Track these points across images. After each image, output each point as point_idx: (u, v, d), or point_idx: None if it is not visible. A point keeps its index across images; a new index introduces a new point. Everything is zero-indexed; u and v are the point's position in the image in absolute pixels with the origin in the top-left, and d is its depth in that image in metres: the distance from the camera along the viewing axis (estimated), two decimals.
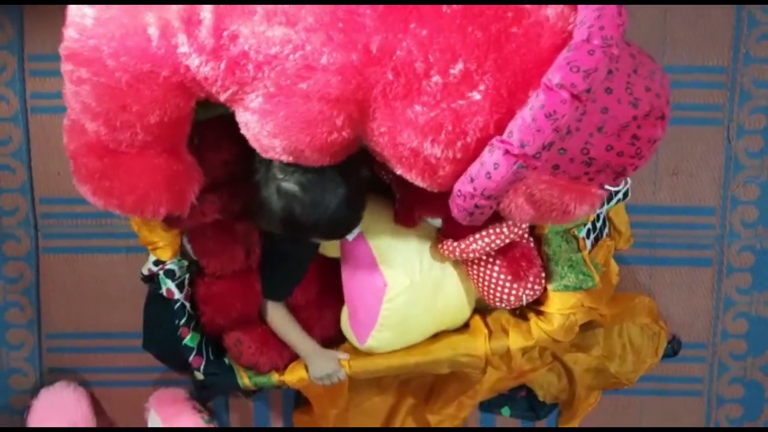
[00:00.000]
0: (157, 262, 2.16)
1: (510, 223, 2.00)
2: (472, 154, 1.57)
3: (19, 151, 2.39)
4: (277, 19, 1.56)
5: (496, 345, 2.22)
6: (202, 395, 2.47)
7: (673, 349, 2.47)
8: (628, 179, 2.19)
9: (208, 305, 2.20)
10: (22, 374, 2.52)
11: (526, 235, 2.13)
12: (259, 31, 1.56)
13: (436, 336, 2.26)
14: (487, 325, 2.27)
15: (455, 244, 2.08)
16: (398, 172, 1.69)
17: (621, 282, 2.39)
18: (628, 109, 1.53)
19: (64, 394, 2.44)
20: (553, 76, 1.48)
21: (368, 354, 2.23)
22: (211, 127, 1.96)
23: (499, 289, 2.12)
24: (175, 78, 1.63)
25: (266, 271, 2.18)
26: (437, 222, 2.15)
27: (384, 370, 2.25)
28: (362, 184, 1.91)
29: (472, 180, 1.58)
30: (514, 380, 2.38)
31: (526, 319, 2.24)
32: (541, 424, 2.58)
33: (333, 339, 2.32)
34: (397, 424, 2.48)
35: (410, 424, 2.51)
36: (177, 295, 2.18)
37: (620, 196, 2.21)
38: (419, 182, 1.68)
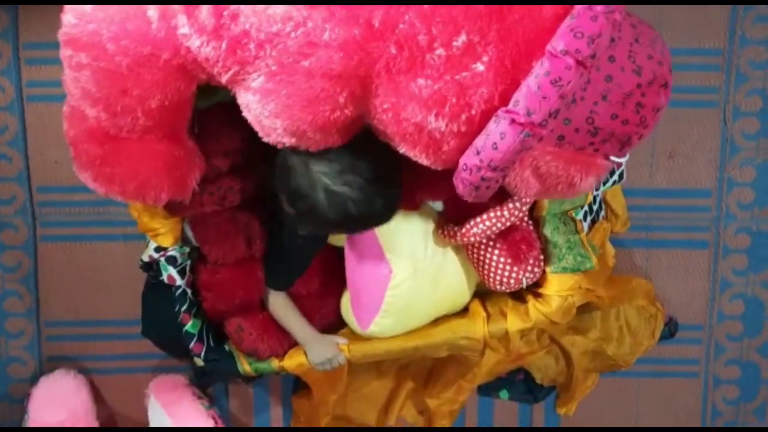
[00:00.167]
0: (158, 249, 2.16)
1: (510, 205, 2.01)
2: (477, 127, 1.56)
3: (16, 140, 2.38)
4: None
5: (495, 328, 2.22)
6: (201, 381, 2.47)
7: (670, 331, 2.48)
8: (623, 162, 2.20)
9: (210, 291, 2.20)
10: (21, 363, 2.51)
11: (525, 218, 2.14)
12: (259, 9, 1.55)
13: (436, 320, 2.26)
14: (485, 308, 2.28)
15: (455, 228, 2.09)
16: (402, 150, 1.68)
17: (618, 265, 2.41)
18: (631, 77, 1.54)
19: (63, 382, 2.44)
20: (558, 43, 1.48)
21: (367, 338, 2.24)
22: (211, 117, 1.96)
23: (499, 272, 2.13)
24: (176, 60, 1.63)
25: (270, 260, 2.18)
26: (438, 206, 2.16)
27: (383, 354, 2.26)
28: (392, 160, 1.88)
29: (478, 152, 1.57)
30: (512, 363, 2.40)
31: (524, 301, 2.24)
32: (539, 418, 2.60)
33: (333, 325, 2.33)
34: (397, 408, 2.49)
35: (409, 408, 2.52)
36: (178, 281, 2.19)
37: (615, 178, 2.23)
38: (423, 159, 1.68)
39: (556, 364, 2.49)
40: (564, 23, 1.50)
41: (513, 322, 2.22)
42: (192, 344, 2.23)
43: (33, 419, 2.38)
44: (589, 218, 2.24)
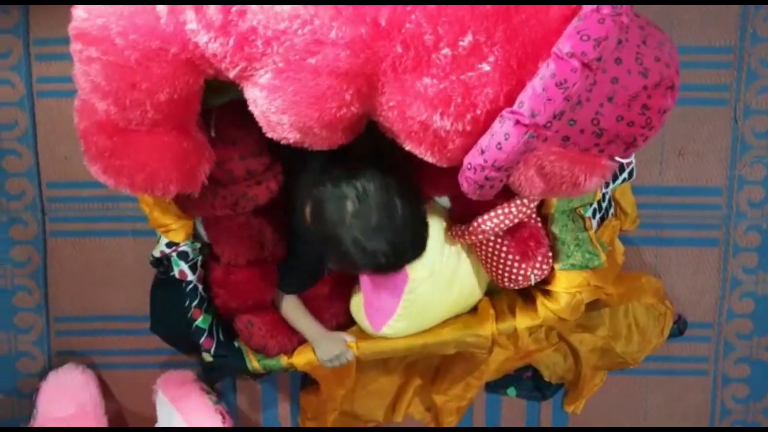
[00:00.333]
0: (170, 244, 2.16)
1: (518, 202, 2.01)
2: (482, 126, 1.56)
3: (26, 136, 2.39)
4: None
5: (503, 326, 2.23)
6: (209, 377, 2.48)
7: (679, 328, 2.48)
8: (633, 159, 2.19)
9: (223, 289, 2.22)
10: (31, 358, 2.53)
11: (534, 215, 2.13)
12: (267, 6, 1.55)
13: (445, 320, 2.27)
14: (494, 306, 2.28)
15: (464, 227, 2.09)
16: (407, 147, 1.68)
17: (627, 262, 2.40)
18: (638, 79, 1.53)
19: (72, 377, 2.45)
20: (564, 45, 1.47)
21: (374, 336, 2.25)
22: (228, 121, 1.97)
23: (507, 269, 2.12)
24: (184, 55, 1.63)
25: (286, 266, 2.20)
26: (444, 201, 2.16)
27: (391, 351, 2.27)
28: (417, 200, 1.94)
29: (482, 152, 1.57)
30: (521, 360, 2.40)
31: (532, 298, 2.24)
32: (547, 416, 2.59)
33: (342, 326, 2.33)
34: (404, 404, 2.49)
35: (417, 404, 2.52)
36: (190, 276, 2.20)
37: (625, 175, 2.22)
38: (428, 157, 1.68)
39: (564, 361, 2.48)
40: (571, 25, 1.49)
41: (522, 319, 2.22)
42: (202, 339, 2.24)
43: (42, 414, 2.39)
44: (598, 216, 2.23)
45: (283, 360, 2.28)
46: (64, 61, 2.23)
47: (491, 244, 2.12)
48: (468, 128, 1.57)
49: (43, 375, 2.49)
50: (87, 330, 2.52)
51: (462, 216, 2.11)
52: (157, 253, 2.22)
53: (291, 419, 2.59)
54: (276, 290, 2.23)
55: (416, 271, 2.11)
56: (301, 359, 2.27)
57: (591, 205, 2.17)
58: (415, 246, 1.92)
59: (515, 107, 1.52)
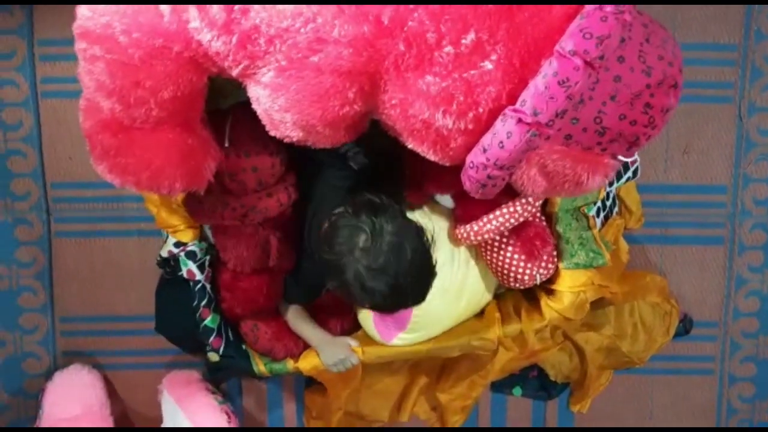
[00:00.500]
0: (177, 244, 2.17)
1: (523, 200, 2.01)
2: (484, 125, 1.56)
3: (30, 136, 2.39)
4: None
5: (509, 328, 2.24)
6: (215, 377, 2.48)
7: (685, 327, 2.47)
8: (637, 158, 2.19)
9: (230, 293, 2.22)
10: (36, 358, 2.53)
11: (538, 214, 2.13)
12: (270, 5, 1.56)
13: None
14: (499, 308, 2.28)
15: (468, 227, 2.08)
16: (410, 145, 1.68)
17: (632, 261, 2.40)
18: (641, 77, 1.52)
19: (78, 377, 2.46)
20: (566, 43, 1.47)
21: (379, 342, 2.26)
22: (243, 132, 1.97)
23: (513, 269, 2.12)
24: (187, 53, 1.63)
25: (292, 279, 2.20)
26: (447, 201, 2.15)
27: (396, 355, 2.28)
28: (430, 253, 1.92)
29: (484, 150, 1.57)
30: (526, 360, 2.39)
31: (536, 298, 2.24)
32: (553, 415, 2.59)
33: (346, 332, 2.34)
34: (410, 403, 2.49)
35: (422, 403, 2.52)
36: (198, 276, 2.20)
37: (630, 174, 2.21)
38: (431, 155, 1.68)
39: (569, 361, 2.48)
40: (574, 23, 1.49)
41: (527, 322, 2.22)
42: (212, 338, 2.24)
43: (48, 414, 2.40)
44: (602, 214, 2.23)
45: (290, 364, 2.29)
46: (69, 61, 2.23)
47: (496, 244, 2.12)
48: (470, 126, 1.57)
49: (48, 375, 2.49)
50: (92, 330, 2.52)
51: (466, 216, 2.11)
52: (164, 253, 2.23)
53: (297, 419, 2.59)
54: (280, 299, 2.24)
55: None
56: (306, 364, 2.27)
57: (595, 203, 2.16)
58: (415, 295, 1.91)
59: (517, 105, 1.52)
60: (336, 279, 1.86)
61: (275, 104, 1.63)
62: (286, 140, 1.72)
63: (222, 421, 2.31)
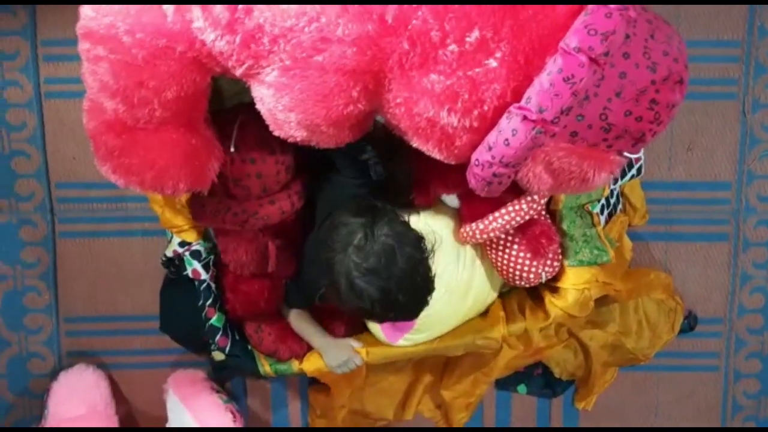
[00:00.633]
0: (182, 243, 2.18)
1: (528, 198, 2.01)
2: (490, 122, 1.56)
3: (34, 137, 2.39)
4: None
5: (514, 327, 2.24)
6: (219, 376, 2.48)
7: (690, 324, 2.47)
8: (642, 156, 2.19)
9: (233, 294, 2.22)
10: (41, 358, 2.53)
11: (543, 212, 2.13)
12: (273, 4, 1.56)
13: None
14: (504, 307, 2.28)
15: (474, 225, 2.08)
16: (415, 144, 1.69)
17: (637, 258, 2.40)
18: (646, 73, 1.52)
19: (83, 377, 2.45)
20: (571, 40, 1.47)
21: (383, 343, 2.27)
22: (249, 139, 1.97)
23: (519, 267, 2.12)
24: (191, 53, 1.64)
25: (294, 285, 2.20)
26: (453, 201, 2.15)
27: (400, 356, 2.29)
28: (427, 266, 1.90)
29: (490, 148, 1.57)
30: (531, 358, 2.39)
31: (540, 296, 2.24)
32: (558, 413, 2.59)
33: (351, 334, 2.34)
34: (414, 403, 2.49)
35: (427, 402, 2.52)
36: (203, 275, 2.21)
37: (634, 171, 2.21)
38: (436, 154, 1.68)
39: (574, 358, 2.48)
40: (578, 19, 1.49)
41: (532, 320, 2.23)
42: (218, 337, 2.25)
43: (53, 414, 2.40)
44: (606, 212, 2.23)
45: (295, 365, 2.29)
46: (72, 62, 2.23)
47: (502, 242, 2.12)
48: (475, 124, 1.57)
49: (53, 375, 2.49)
50: (97, 330, 2.51)
51: (472, 215, 2.10)
52: (169, 253, 2.23)
53: (301, 418, 2.58)
54: (282, 303, 2.24)
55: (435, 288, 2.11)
56: (310, 366, 2.28)
57: (599, 201, 2.16)
58: (406, 307, 1.89)
59: (522, 103, 1.52)
60: (327, 277, 1.86)
61: (279, 104, 1.63)
62: (291, 140, 1.72)
63: (227, 420, 2.31)
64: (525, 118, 1.51)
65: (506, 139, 1.54)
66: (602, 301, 2.28)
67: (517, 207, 2.02)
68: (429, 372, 2.47)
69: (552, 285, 2.20)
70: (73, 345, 2.53)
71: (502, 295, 2.32)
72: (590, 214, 2.16)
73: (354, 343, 2.27)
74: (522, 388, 2.55)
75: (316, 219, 2.03)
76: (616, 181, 2.20)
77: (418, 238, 1.87)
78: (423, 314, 2.11)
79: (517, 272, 2.13)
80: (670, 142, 2.37)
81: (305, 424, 2.59)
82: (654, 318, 2.39)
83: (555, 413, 2.58)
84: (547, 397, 2.56)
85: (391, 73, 1.57)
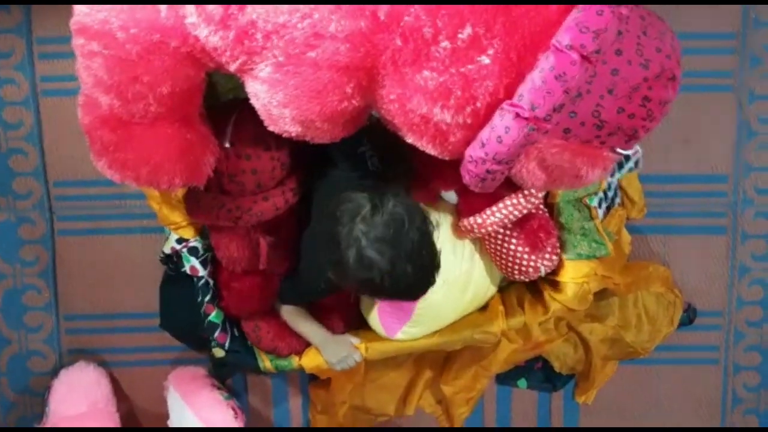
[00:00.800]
0: (180, 240, 2.18)
1: (526, 192, 2.01)
2: (483, 119, 1.56)
3: (31, 135, 2.39)
4: None
5: (513, 321, 2.24)
6: (220, 373, 2.48)
7: (689, 317, 2.47)
8: (639, 149, 2.19)
9: (226, 292, 2.23)
10: (42, 356, 2.54)
11: (541, 205, 2.13)
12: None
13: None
14: (503, 301, 2.28)
15: (472, 219, 2.08)
16: (409, 140, 1.68)
17: (635, 251, 2.40)
18: (638, 70, 1.52)
19: (83, 375, 2.46)
20: (563, 37, 1.47)
21: (382, 337, 2.27)
22: (244, 135, 1.97)
23: (518, 261, 2.12)
24: (185, 48, 1.64)
25: (290, 281, 2.18)
26: (452, 197, 2.15)
27: (399, 351, 2.29)
28: (434, 242, 1.87)
29: (483, 145, 1.57)
30: (531, 352, 2.40)
31: (539, 290, 2.24)
32: (558, 407, 2.59)
33: (349, 329, 2.34)
34: (415, 397, 2.50)
35: (428, 397, 2.53)
36: (201, 272, 2.21)
37: (631, 165, 2.21)
38: (430, 150, 1.68)
39: (574, 352, 2.48)
40: (570, 16, 1.49)
41: (531, 314, 2.23)
42: (216, 334, 2.25)
43: (54, 412, 2.40)
44: (604, 205, 2.23)
45: (295, 361, 2.30)
46: (68, 59, 2.22)
47: (500, 237, 2.12)
48: (468, 121, 1.57)
49: (54, 373, 2.49)
50: (97, 328, 2.52)
51: (470, 210, 2.10)
52: (167, 250, 2.23)
53: (302, 414, 2.59)
54: (275, 300, 2.23)
55: None
56: (309, 362, 2.29)
57: (596, 194, 2.16)
58: (414, 283, 1.84)
59: (515, 100, 1.52)
60: (333, 255, 1.80)
61: (273, 100, 1.63)
62: (285, 135, 1.72)
63: (228, 417, 2.31)
64: (517, 115, 1.51)
65: (499, 136, 1.54)
66: (601, 295, 2.28)
67: (514, 201, 2.02)
68: (429, 368, 2.48)
69: (551, 279, 2.20)
70: (74, 343, 2.53)
71: (501, 290, 2.32)
72: (588, 207, 2.16)
73: (353, 339, 2.27)
74: (522, 383, 2.55)
75: (312, 214, 2.02)
76: (613, 174, 2.20)
77: (424, 212, 1.85)
78: (421, 305, 2.12)
79: (516, 266, 2.13)
80: (667, 135, 2.36)
81: (306, 420, 2.59)
82: (653, 311, 2.39)
83: (555, 407, 2.58)
84: (547, 392, 2.56)
85: (385, 69, 1.57)
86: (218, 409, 2.33)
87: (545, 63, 1.48)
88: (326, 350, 2.25)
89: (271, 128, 1.72)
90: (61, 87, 2.34)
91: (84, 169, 2.38)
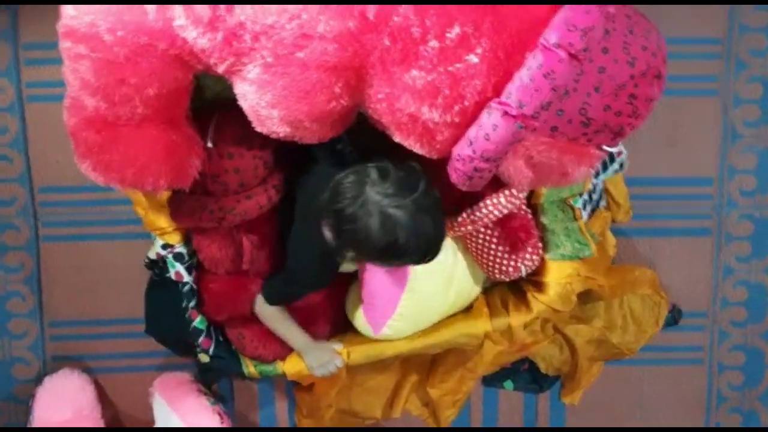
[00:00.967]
0: (165, 246, 2.17)
1: (507, 192, 2.01)
2: (471, 118, 1.57)
3: (17, 141, 2.38)
4: None
5: (497, 323, 2.23)
6: (206, 378, 2.48)
7: (674, 318, 2.48)
8: (624, 150, 2.20)
9: (206, 294, 2.22)
10: (26, 363, 2.52)
11: (524, 206, 2.14)
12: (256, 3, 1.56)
13: (439, 321, 2.27)
14: (487, 303, 2.28)
15: (452, 218, 2.08)
16: (397, 139, 1.69)
17: (621, 254, 2.41)
18: (625, 68, 1.54)
19: (68, 381, 2.44)
20: (550, 36, 1.48)
21: (367, 342, 2.26)
22: (226, 134, 1.97)
23: (497, 260, 2.13)
24: (173, 51, 1.64)
25: (278, 280, 2.16)
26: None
27: (380, 356, 2.28)
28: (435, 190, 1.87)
29: (470, 143, 1.58)
30: (517, 354, 2.39)
31: (523, 291, 2.24)
32: (544, 408, 2.60)
33: (334, 333, 2.35)
34: (402, 400, 2.49)
35: (414, 400, 2.52)
36: (186, 277, 2.20)
37: (616, 167, 2.22)
38: (418, 149, 1.68)
39: (560, 353, 2.48)
40: (558, 15, 1.50)
41: (515, 315, 2.22)
42: (201, 339, 2.24)
43: (38, 419, 2.39)
44: (588, 207, 2.24)
45: (280, 366, 2.29)
46: (54, 65, 2.20)
47: (481, 236, 2.13)
48: (456, 120, 1.58)
49: (38, 380, 2.47)
50: (82, 334, 2.51)
51: (449, 207, 2.10)
52: (152, 255, 2.22)
53: (289, 419, 2.59)
54: (253, 305, 2.20)
55: (417, 268, 2.11)
56: (291, 368, 2.28)
57: (581, 195, 2.17)
58: (434, 234, 1.84)
59: (503, 98, 1.53)
60: (352, 231, 1.80)
61: (262, 100, 1.64)
62: (273, 136, 1.72)
63: (215, 422, 2.30)
64: (505, 113, 1.52)
65: (487, 134, 1.55)
66: (587, 297, 2.29)
67: (495, 200, 2.02)
68: (415, 371, 2.47)
69: (534, 279, 2.20)
70: (58, 349, 2.52)
71: (485, 291, 2.32)
72: (572, 208, 2.16)
73: (335, 345, 2.26)
74: (509, 384, 2.55)
75: (296, 212, 2.02)
76: (597, 174, 2.21)
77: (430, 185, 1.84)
78: (406, 297, 2.12)
79: (496, 266, 2.13)
80: (652, 138, 2.38)
81: (293, 424, 2.59)
82: (639, 312, 2.39)
83: (542, 408, 2.59)
84: (533, 393, 2.57)
85: (373, 69, 1.58)
86: (204, 415, 2.32)
87: (533, 61, 1.49)
88: (308, 355, 2.25)
89: (259, 129, 1.72)
90: (47, 93, 2.34)
91: (69, 175, 2.36)
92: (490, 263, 2.13)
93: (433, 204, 1.82)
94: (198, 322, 2.23)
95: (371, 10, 1.53)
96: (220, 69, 1.65)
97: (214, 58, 1.63)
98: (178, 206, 2.06)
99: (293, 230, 2.03)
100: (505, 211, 2.04)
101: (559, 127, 1.57)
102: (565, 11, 1.49)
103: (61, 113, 1.80)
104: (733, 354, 2.55)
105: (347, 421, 2.50)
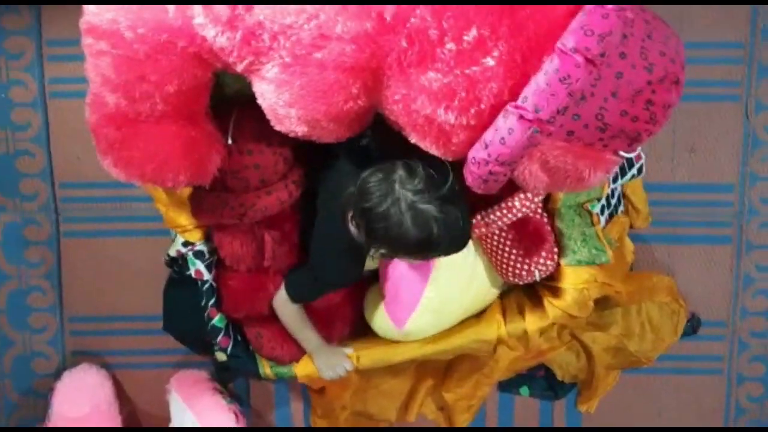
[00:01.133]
0: (186, 243, 2.18)
1: (522, 196, 2.01)
2: (486, 120, 1.57)
3: (39, 136, 2.40)
4: None
5: (513, 328, 2.22)
6: (222, 377, 2.48)
7: (693, 327, 2.46)
8: (643, 155, 2.19)
9: (224, 291, 2.23)
10: (45, 358, 2.54)
11: (539, 210, 2.13)
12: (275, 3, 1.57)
13: (450, 327, 2.27)
14: (503, 308, 2.27)
15: None
16: (413, 140, 1.70)
17: (640, 260, 2.40)
18: (642, 74, 1.53)
19: (87, 376, 2.46)
20: (567, 40, 1.48)
21: (376, 346, 2.27)
22: (246, 130, 1.98)
23: (511, 263, 2.12)
24: (192, 49, 1.66)
25: (301, 276, 2.16)
26: None
27: (390, 361, 2.28)
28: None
29: (486, 146, 1.58)
30: (533, 360, 2.39)
31: (538, 296, 2.24)
32: (560, 415, 2.59)
33: (351, 334, 2.35)
34: (417, 404, 2.49)
35: (429, 404, 2.52)
36: (206, 275, 2.21)
37: (635, 171, 2.21)
38: (434, 150, 1.69)
39: (577, 360, 2.47)
40: (575, 20, 1.50)
41: (531, 321, 2.21)
42: (219, 338, 2.25)
43: (57, 413, 2.40)
44: (606, 212, 2.23)
45: (295, 368, 2.29)
46: (77, 61, 2.22)
47: (495, 238, 2.13)
48: (472, 122, 1.58)
49: (57, 375, 2.49)
50: (101, 330, 2.52)
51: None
52: (172, 253, 2.23)
53: (304, 418, 2.58)
54: (276, 295, 2.20)
55: (440, 260, 2.11)
56: (302, 370, 2.28)
57: (599, 200, 2.16)
58: (464, 225, 1.85)
59: (519, 102, 1.53)
60: (383, 229, 1.81)
61: (280, 100, 1.65)
62: (291, 135, 1.73)
63: (230, 421, 2.31)
64: (521, 117, 1.51)
65: (502, 138, 1.54)
66: (605, 304, 2.27)
67: (509, 204, 2.02)
68: (431, 375, 2.47)
69: (550, 285, 2.19)
70: (77, 344, 2.53)
71: (501, 296, 2.31)
72: (589, 213, 2.15)
73: (346, 349, 2.27)
74: (524, 390, 2.54)
75: (318, 208, 2.02)
76: (616, 179, 2.20)
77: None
78: (430, 288, 2.12)
79: (510, 269, 2.13)
80: (672, 143, 2.37)
81: (308, 424, 2.59)
82: (657, 320, 2.38)
83: (557, 416, 2.58)
84: (549, 400, 2.55)
85: (390, 70, 1.58)
86: (220, 413, 2.33)
87: (550, 66, 1.49)
88: (318, 357, 2.25)
89: (277, 128, 1.73)
90: (69, 89, 2.35)
91: (90, 172, 2.38)
92: (504, 265, 2.13)
93: (461, 194, 1.82)
94: (217, 320, 2.24)
95: (389, 11, 1.53)
96: (239, 68, 1.67)
97: (233, 56, 1.64)
98: (198, 203, 2.07)
99: (316, 227, 2.03)
100: (520, 215, 2.04)
101: (576, 131, 1.56)
102: (583, 16, 1.49)
103: (82, 109, 1.82)
104: (752, 365, 2.53)
105: (362, 423, 2.51)
